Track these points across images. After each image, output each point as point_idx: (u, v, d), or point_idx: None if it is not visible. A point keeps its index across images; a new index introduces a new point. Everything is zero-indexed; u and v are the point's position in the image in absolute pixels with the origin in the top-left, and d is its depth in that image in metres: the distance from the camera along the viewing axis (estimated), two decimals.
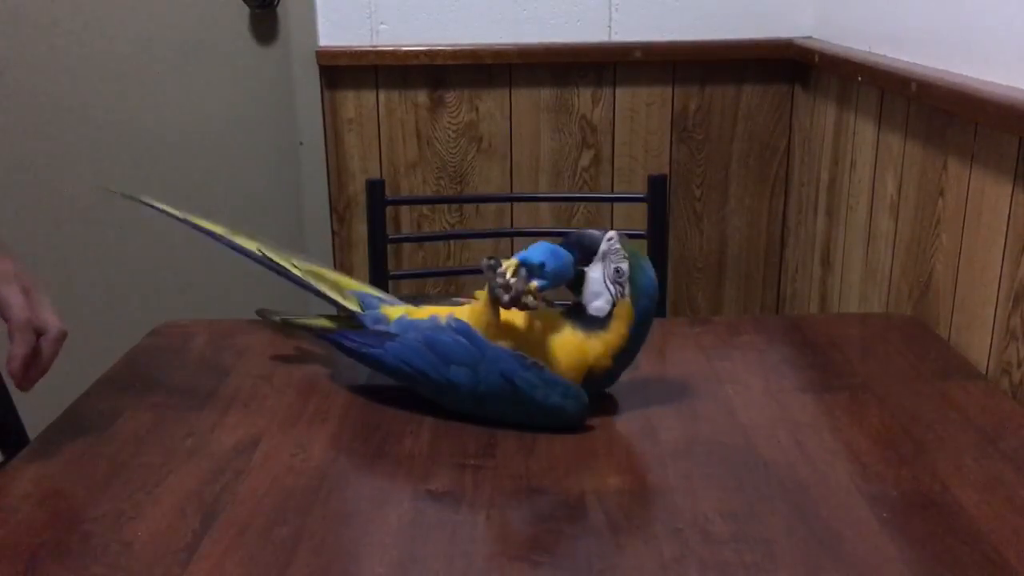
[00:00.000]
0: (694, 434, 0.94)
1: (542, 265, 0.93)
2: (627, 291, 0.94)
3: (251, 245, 1.08)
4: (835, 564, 0.73)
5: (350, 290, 1.05)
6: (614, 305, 0.94)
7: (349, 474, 0.88)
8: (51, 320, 0.85)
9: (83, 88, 1.88)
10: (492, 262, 0.93)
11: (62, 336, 0.86)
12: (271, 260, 1.07)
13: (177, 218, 1.09)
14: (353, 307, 1.03)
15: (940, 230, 1.29)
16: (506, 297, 0.91)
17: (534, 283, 0.92)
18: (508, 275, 0.91)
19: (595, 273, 0.95)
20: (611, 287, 0.94)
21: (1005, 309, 1.12)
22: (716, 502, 0.82)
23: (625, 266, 0.94)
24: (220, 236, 1.08)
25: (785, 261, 2.04)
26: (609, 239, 0.95)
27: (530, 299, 0.91)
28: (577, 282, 0.96)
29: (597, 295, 0.95)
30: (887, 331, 1.23)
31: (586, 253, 0.95)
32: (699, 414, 0.98)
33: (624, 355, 0.96)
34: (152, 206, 1.08)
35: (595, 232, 0.96)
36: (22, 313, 0.84)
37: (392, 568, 0.73)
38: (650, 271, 0.96)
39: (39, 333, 0.85)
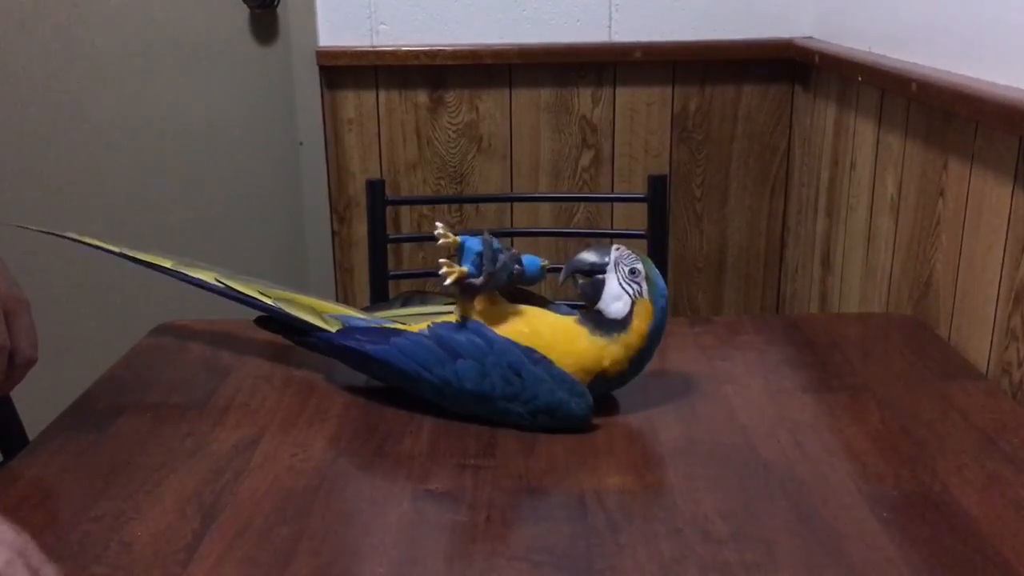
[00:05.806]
0: (694, 434, 0.94)
1: (479, 255, 0.95)
2: (644, 288, 0.95)
3: (208, 276, 1.07)
4: (835, 564, 0.73)
5: (329, 314, 1.04)
6: (633, 304, 0.94)
7: (349, 474, 0.88)
8: (24, 347, 0.86)
9: (83, 88, 1.88)
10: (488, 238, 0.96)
11: (30, 364, 0.87)
12: (234, 290, 1.05)
13: (114, 252, 1.09)
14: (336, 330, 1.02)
15: (940, 230, 1.29)
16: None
17: (465, 268, 0.95)
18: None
19: (610, 280, 0.95)
20: (628, 288, 0.95)
21: (1005, 309, 1.12)
22: (716, 502, 0.82)
23: (640, 265, 0.95)
24: (169, 269, 1.08)
25: (785, 261, 2.04)
26: (617, 248, 0.96)
27: (450, 278, 0.93)
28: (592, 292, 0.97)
29: (616, 299, 0.95)
30: (887, 331, 1.23)
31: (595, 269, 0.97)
32: (699, 414, 0.98)
33: (642, 355, 0.96)
34: (84, 243, 1.09)
35: (590, 258, 0.97)
36: None
37: (392, 568, 0.73)
38: (660, 278, 0.97)
39: (12, 357, 0.86)
